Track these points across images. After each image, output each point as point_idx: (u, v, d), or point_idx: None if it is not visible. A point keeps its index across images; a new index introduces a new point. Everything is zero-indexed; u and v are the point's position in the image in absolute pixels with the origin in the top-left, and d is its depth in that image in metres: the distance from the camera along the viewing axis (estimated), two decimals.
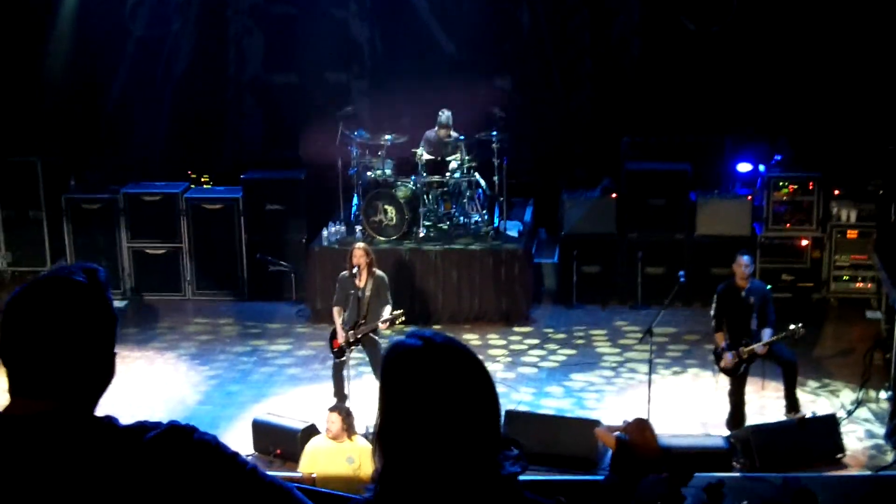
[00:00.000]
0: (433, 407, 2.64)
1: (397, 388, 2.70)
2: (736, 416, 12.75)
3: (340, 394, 13.17)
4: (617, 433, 9.79)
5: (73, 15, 18.38)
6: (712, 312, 12.96)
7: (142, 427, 2.77)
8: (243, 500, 2.79)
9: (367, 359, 13.55)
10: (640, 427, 9.93)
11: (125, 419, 2.81)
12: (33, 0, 18.30)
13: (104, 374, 2.85)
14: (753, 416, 12.88)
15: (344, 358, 13.16)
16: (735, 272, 12.88)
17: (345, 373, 13.17)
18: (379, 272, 13.37)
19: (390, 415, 2.71)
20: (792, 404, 12.93)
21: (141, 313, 17.03)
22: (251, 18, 19.42)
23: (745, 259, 12.88)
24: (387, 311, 13.10)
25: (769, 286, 13.52)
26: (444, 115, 16.61)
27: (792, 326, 12.65)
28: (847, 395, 13.73)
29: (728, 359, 12.70)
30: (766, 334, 12.75)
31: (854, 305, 16.64)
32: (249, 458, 12.05)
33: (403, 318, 13.07)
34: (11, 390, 2.79)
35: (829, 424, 12.34)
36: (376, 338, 13.19)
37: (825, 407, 13.32)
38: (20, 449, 2.69)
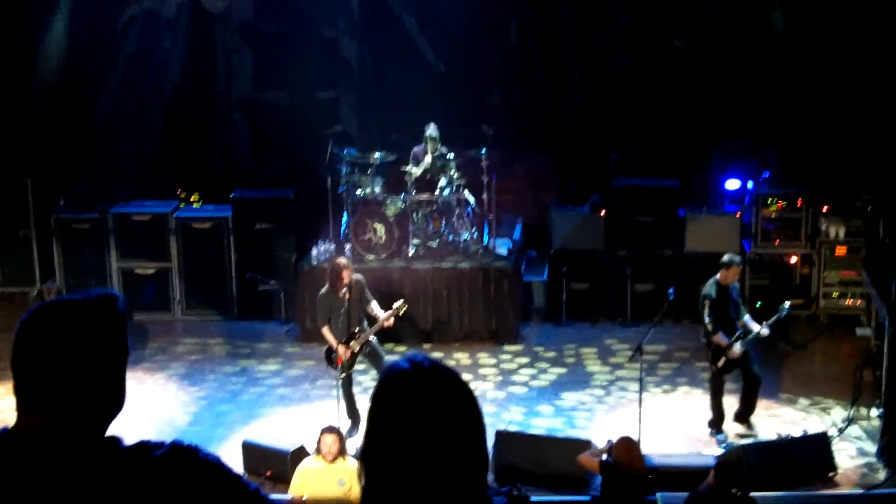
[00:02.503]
0: (416, 431, 2.64)
1: (382, 411, 2.71)
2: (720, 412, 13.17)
3: (353, 412, 13.15)
4: (603, 457, 9.84)
5: (64, 31, 18.37)
6: (708, 318, 12.90)
7: (145, 446, 2.78)
8: None
9: (376, 371, 13.37)
10: (627, 446, 9.99)
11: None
12: (23, 16, 18.26)
13: (113, 399, 2.86)
14: (744, 434, 12.93)
15: (350, 371, 13.15)
16: (729, 276, 12.96)
17: (353, 389, 13.21)
18: (355, 276, 13.30)
19: (373, 437, 2.72)
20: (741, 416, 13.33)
21: (130, 333, 16.88)
22: (241, 36, 19.43)
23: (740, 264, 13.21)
24: (376, 307, 13.12)
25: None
26: (431, 128, 16.53)
27: (785, 304, 13.12)
28: (838, 413, 13.75)
29: (738, 350, 12.79)
30: (749, 318, 13.08)
31: (844, 322, 16.66)
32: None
33: (406, 307, 13.14)
34: (20, 406, 2.80)
35: (820, 442, 12.36)
36: (379, 350, 13.21)
37: (816, 424, 13.32)
38: (25, 465, 2.69)
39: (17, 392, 2.80)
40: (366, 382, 14.09)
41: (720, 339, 12.83)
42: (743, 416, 13.27)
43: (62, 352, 2.75)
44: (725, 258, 13.11)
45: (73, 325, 2.79)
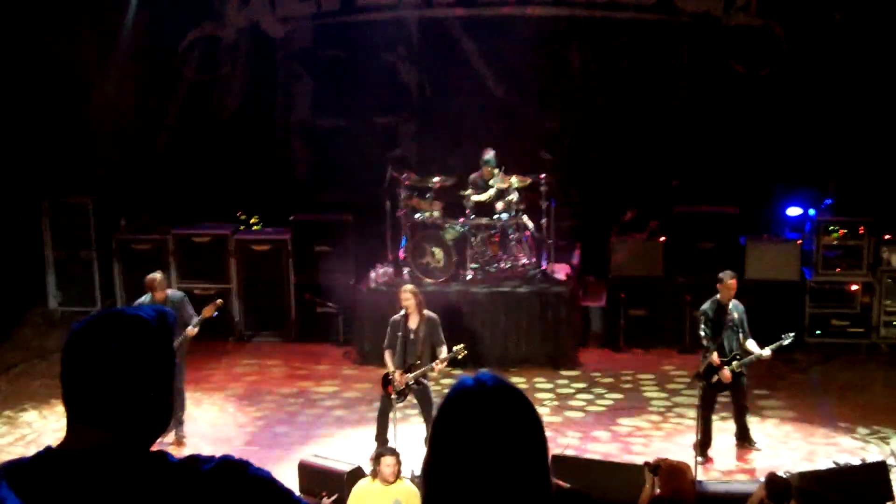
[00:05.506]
0: (479, 449, 2.62)
1: (446, 428, 2.70)
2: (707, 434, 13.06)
3: (383, 437, 13.06)
4: (656, 490, 9.66)
5: (126, 57, 18.62)
6: (704, 332, 13.01)
7: (195, 460, 2.77)
8: None
9: (417, 402, 13.31)
10: (672, 473, 9.82)
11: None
12: (86, 41, 18.49)
13: (161, 415, 2.86)
14: (802, 462, 12.79)
15: (396, 400, 12.93)
16: (728, 289, 13.02)
17: (390, 415, 13.10)
18: (429, 313, 13.19)
19: (437, 454, 2.71)
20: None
21: (190, 353, 16.99)
22: (300, 62, 19.60)
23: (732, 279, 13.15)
24: (443, 352, 12.97)
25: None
26: (489, 154, 16.46)
27: (789, 335, 12.99)
28: None
29: (727, 374, 12.84)
30: (753, 344, 13.07)
31: None
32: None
33: (465, 352, 13.01)
34: (70, 420, 2.80)
35: (878, 471, 12.19)
36: (426, 382, 13.15)
37: (875, 454, 13.16)
38: (76, 483, 2.68)
39: (67, 405, 2.79)
40: (413, 418, 13.96)
41: (714, 357, 12.85)
42: (742, 436, 13.37)
43: (116, 363, 2.74)
44: (720, 274, 13.15)
45: (128, 336, 2.78)
